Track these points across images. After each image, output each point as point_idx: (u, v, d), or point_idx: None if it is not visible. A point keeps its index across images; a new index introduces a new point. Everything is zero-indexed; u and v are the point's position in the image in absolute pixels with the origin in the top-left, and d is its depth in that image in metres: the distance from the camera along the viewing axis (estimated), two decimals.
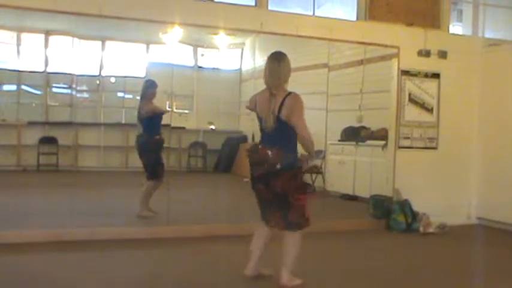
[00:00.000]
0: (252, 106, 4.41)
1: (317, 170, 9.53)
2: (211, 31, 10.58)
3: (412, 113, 7.30)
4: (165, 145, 7.27)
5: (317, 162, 9.23)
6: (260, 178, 4.24)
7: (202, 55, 14.13)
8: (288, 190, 4.18)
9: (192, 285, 4.39)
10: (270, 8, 6.72)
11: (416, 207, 6.99)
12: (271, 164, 4.14)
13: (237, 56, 14.48)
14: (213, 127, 13.60)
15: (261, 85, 4.36)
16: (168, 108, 10.37)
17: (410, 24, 7.26)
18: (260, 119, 4.32)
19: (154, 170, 6.91)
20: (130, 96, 13.35)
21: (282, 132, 4.17)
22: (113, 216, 6.75)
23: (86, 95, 13.82)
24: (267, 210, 4.33)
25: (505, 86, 7.31)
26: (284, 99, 4.17)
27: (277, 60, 4.30)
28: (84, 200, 7.69)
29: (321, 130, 9.42)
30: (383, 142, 8.23)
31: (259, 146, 4.27)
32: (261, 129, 4.33)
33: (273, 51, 4.38)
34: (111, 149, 12.44)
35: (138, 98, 7.17)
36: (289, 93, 4.22)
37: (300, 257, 4.26)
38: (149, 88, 7.00)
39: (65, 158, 12.17)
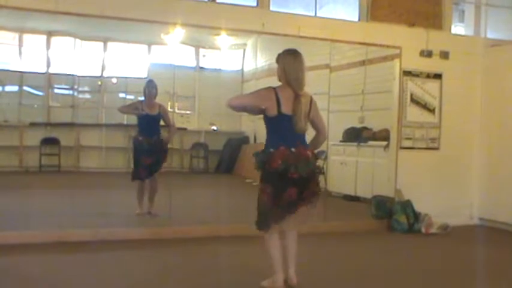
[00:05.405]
0: (268, 104, 4.00)
1: (319, 171, 9.50)
2: (213, 32, 10.58)
3: (414, 114, 7.29)
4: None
5: (319, 163, 9.21)
6: (297, 181, 4.09)
7: (204, 56, 14.15)
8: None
9: (195, 286, 4.39)
10: (271, 8, 6.72)
11: (418, 207, 6.97)
12: (314, 164, 4.26)
13: (238, 57, 14.48)
14: (214, 128, 13.61)
15: (263, 85, 4.26)
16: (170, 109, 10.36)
17: (412, 24, 7.25)
18: (286, 119, 4.00)
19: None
20: (132, 97, 13.33)
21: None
22: (115, 217, 6.75)
23: (87, 96, 13.83)
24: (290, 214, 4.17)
25: (507, 86, 7.30)
26: (311, 101, 4.13)
27: (301, 59, 4.10)
28: (86, 201, 7.69)
29: None
30: (385, 143, 8.22)
31: (293, 148, 4.03)
32: (284, 129, 4.03)
33: (288, 48, 4.17)
34: (112, 150, 12.44)
35: (142, 98, 7.13)
36: (307, 94, 4.14)
37: (303, 258, 4.24)
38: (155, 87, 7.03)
39: (67, 159, 12.19)
